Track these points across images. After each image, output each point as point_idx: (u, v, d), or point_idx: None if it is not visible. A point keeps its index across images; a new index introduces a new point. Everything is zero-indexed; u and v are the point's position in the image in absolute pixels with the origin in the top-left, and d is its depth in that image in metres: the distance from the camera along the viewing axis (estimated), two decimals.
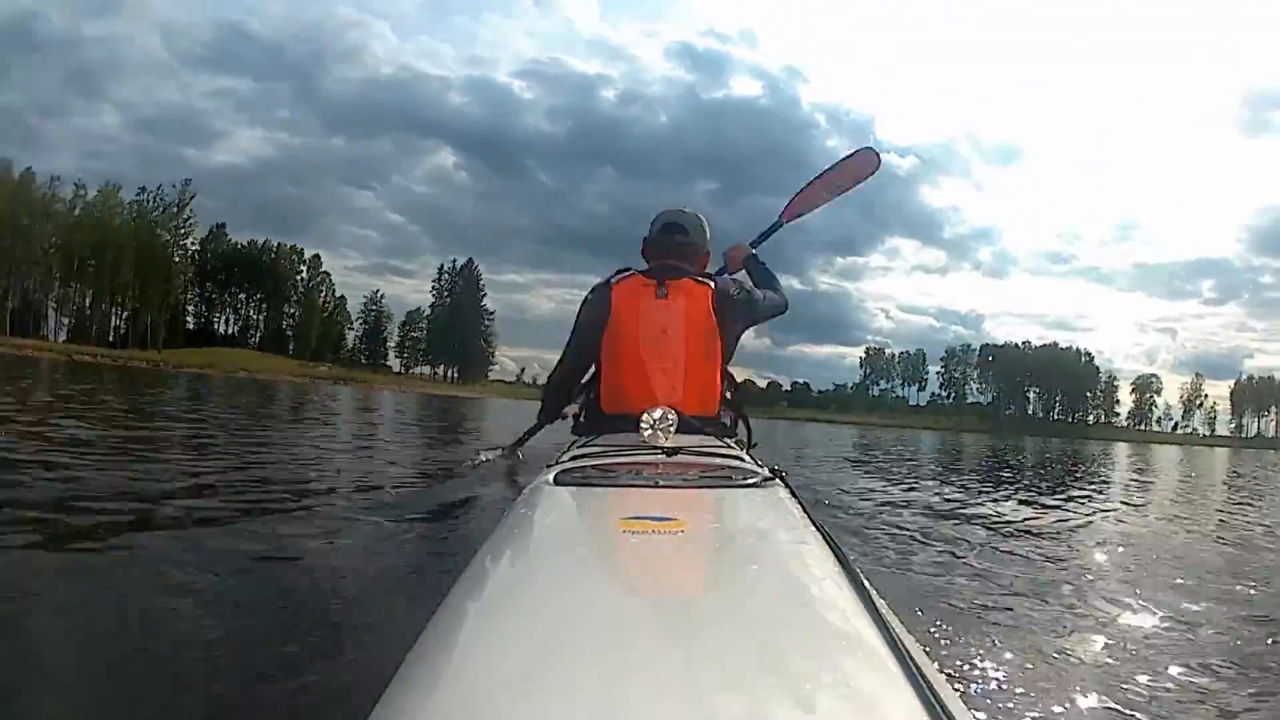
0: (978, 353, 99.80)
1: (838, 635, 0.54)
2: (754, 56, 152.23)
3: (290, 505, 2.61)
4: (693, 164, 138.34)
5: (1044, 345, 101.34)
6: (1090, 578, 2.42)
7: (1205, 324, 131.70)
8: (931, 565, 2.35)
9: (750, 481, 1.10)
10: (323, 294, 77.21)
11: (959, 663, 1.41)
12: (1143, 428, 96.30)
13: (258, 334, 73.44)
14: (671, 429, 1.32)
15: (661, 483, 1.07)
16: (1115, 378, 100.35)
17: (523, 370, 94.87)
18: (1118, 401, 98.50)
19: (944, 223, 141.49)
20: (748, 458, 1.40)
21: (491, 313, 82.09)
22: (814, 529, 0.83)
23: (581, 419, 1.82)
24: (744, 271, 2.10)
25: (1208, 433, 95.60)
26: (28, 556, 1.68)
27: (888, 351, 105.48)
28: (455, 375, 79.25)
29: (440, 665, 0.49)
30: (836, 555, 0.71)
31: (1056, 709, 1.27)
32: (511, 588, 0.66)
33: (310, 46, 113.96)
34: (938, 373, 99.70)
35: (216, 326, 72.67)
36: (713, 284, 1.73)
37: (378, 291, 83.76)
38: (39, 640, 1.34)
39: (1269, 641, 1.71)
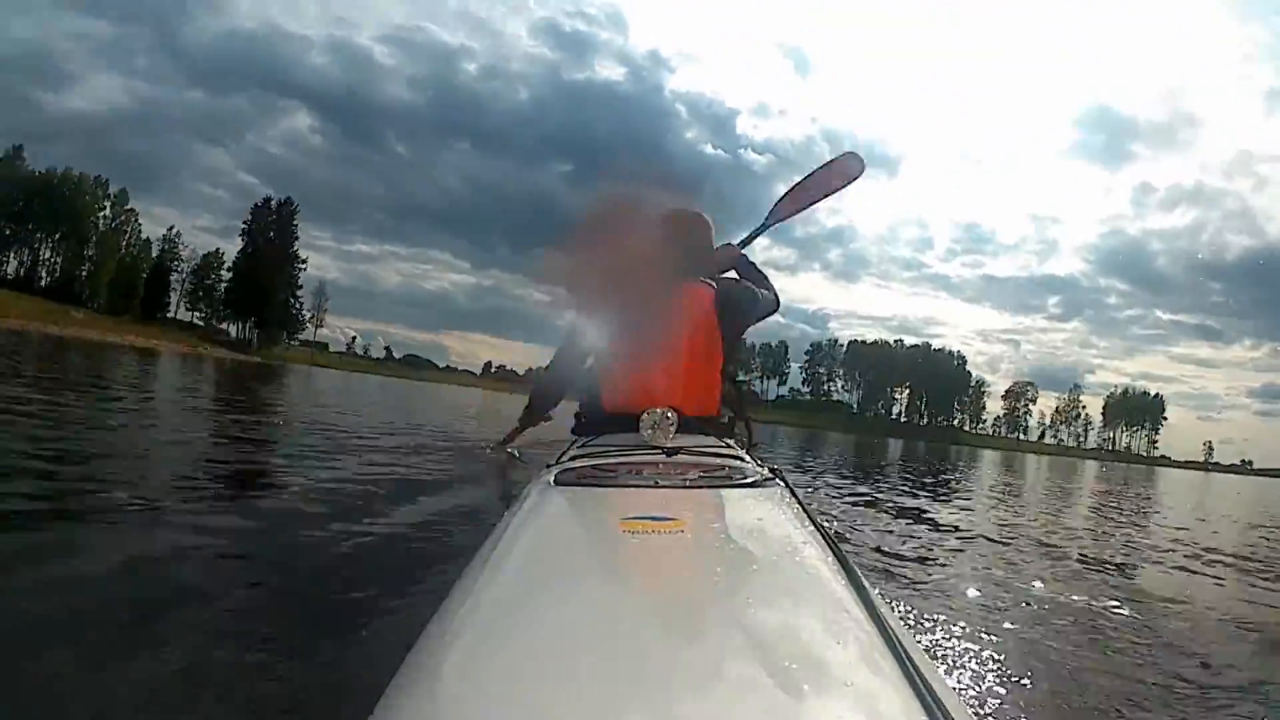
0: (845, 348, 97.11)
1: (837, 635, 0.54)
2: (620, 41, 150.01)
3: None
4: (550, 144, 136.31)
5: (915, 345, 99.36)
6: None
7: (1049, 338, 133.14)
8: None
9: (750, 481, 1.10)
10: (127, 235, 64.26)
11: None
12: (1016, 436, 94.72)
13: (49, 278, 60.61)
14: (672, 429, 1.36)
15: (661, 483, 1.07)
16: (985, 383, 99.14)
17: (354, 340, 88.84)
18: (984, 408, 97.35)
19: (796, 222, 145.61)
20: (747, 458, 1.40)
21: (303, 261, 69.14)
22: (814, 529, 0.84)
23: (582, 419, 1.77)
24: (734, 271, 2.07)
25: (1075, 444, 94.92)
26: None
27: (749, 342, 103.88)
28: (253, 336, 66.15)
29: (441, 665, 0.49)
30: (836, 555, 0.72)
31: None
32: (512, 588, 0.66)
33: None
34: (801, 367, 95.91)
35: (6, 267, 59.70)
36: (714, 285, 1.72)
37: (172, 228, 69.14)
38: None
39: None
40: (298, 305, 70.34)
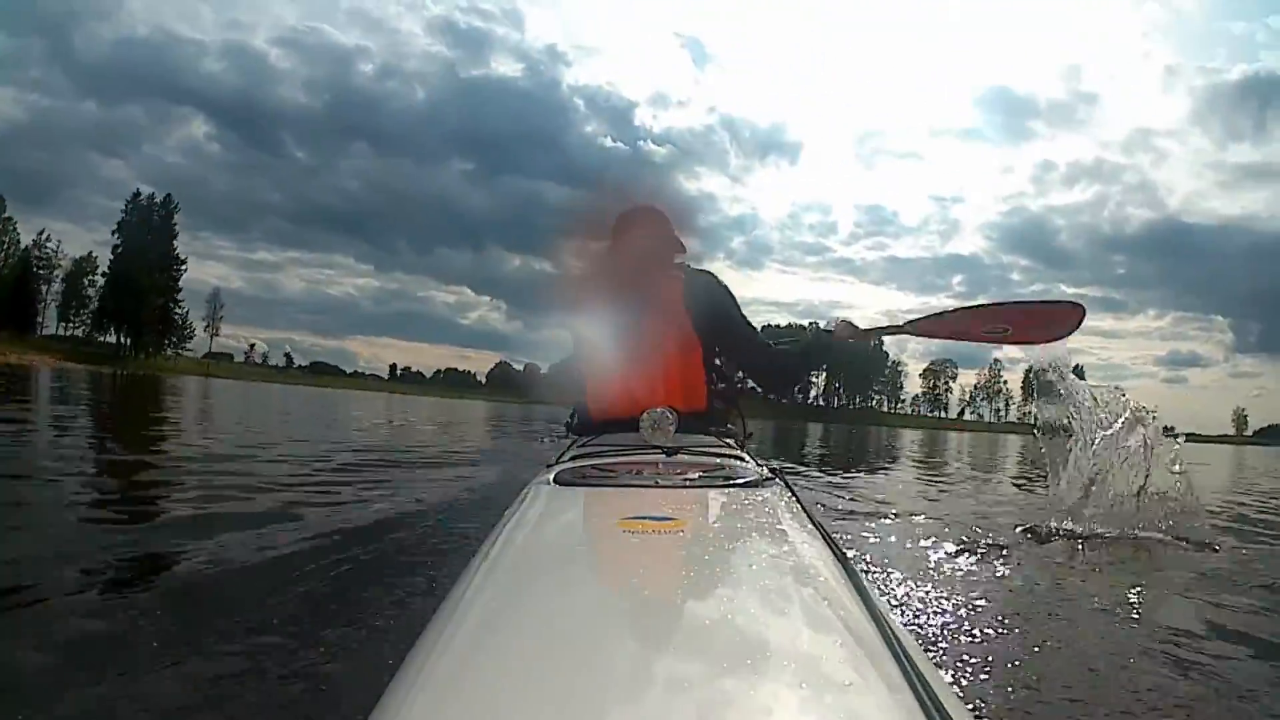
0: (758, 333, 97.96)
1: (837, 635, 0.54)
2: (517, 36, 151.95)
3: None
4: (449, 143, 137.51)
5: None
6: None
7: None
8: None
9: (750, 481, 1.10)
10: (5, 245, 59.36)
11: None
12: (937, 414, 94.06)
13: None
14: (671, 428, 1.35)
15: (661, 482, 1.07)
16: (902, 363, 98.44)
17: (252, 347, 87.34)
18: (901, 387, 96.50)
19: (698, 210, 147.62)
20: (747, 457, 1.41)
21: (182, 262, 63.52)
22: (813, 528, 0.84)
23: (581, 419, 1.77)
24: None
25: (997, 419, 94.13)
26: None
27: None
28: (128, 345, 60.58)
29: (441, 665, 0.49)
30: (836, 555, 0.71)
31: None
32: (512, 588, 0.66)
33: (64, 1, 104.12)
34: None
35: None
36: (680, 275, 1.68)
37: (43, 233, 63.79)
38: None
39: None
40: (180, 312, 65.26)
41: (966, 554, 2.84)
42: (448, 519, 2.80)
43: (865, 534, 3.31)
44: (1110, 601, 2.26)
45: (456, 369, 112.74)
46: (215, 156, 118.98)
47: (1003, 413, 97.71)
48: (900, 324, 1.97)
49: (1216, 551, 3.19)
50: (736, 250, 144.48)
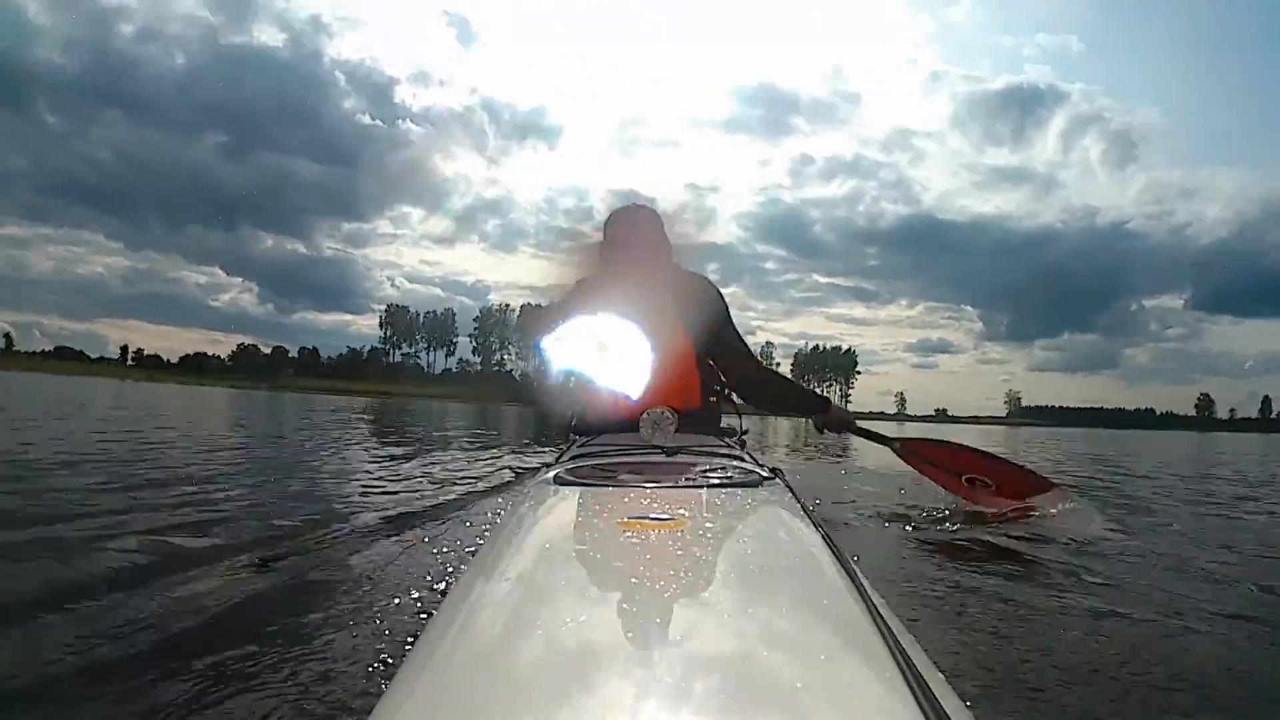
0: (517, 314, 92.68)
1: (837, 635, 0.54)
2: (281, 3, 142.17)
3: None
4: (205, 113, 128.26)
5: None
6: None
7: None
8: None
9: (750, 481, 1.09)
10: None
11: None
12: None
13: None
14: (671, 428, 1.34)
15: (661, 483, 1.07)
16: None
17: (6, 336, 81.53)
18: None
19: (453, 192, 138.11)
20: (747, 457, 1.39)
21: None
22: (814, 529, 0.83)
23: (581, 419, 1.77)
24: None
25: None
26: None
27: (413, 310, 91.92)
28: None
29: (442, 665, 0.49)
30: (836, 555, 0.71)
31: None
32: (512, 588, 0.65)
33: None
34: (470, 336, 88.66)
35: None
36: (671, 276, 1.69)
37: None
38: None
39: None
40: None
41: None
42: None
43: None
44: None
45: (206, 353, 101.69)
46: None
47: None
48: (891, 439, 2.06)
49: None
50: (491, 233, 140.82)
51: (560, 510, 0.98)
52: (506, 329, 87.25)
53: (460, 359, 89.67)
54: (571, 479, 1.08)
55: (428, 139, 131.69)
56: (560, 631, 0.52)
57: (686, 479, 1.11)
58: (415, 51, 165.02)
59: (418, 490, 3.73)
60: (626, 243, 1.76)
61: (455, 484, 4.03)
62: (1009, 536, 2.34)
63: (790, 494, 1.03)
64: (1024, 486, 2.15)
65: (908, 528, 2.63)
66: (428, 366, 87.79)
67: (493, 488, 3.91)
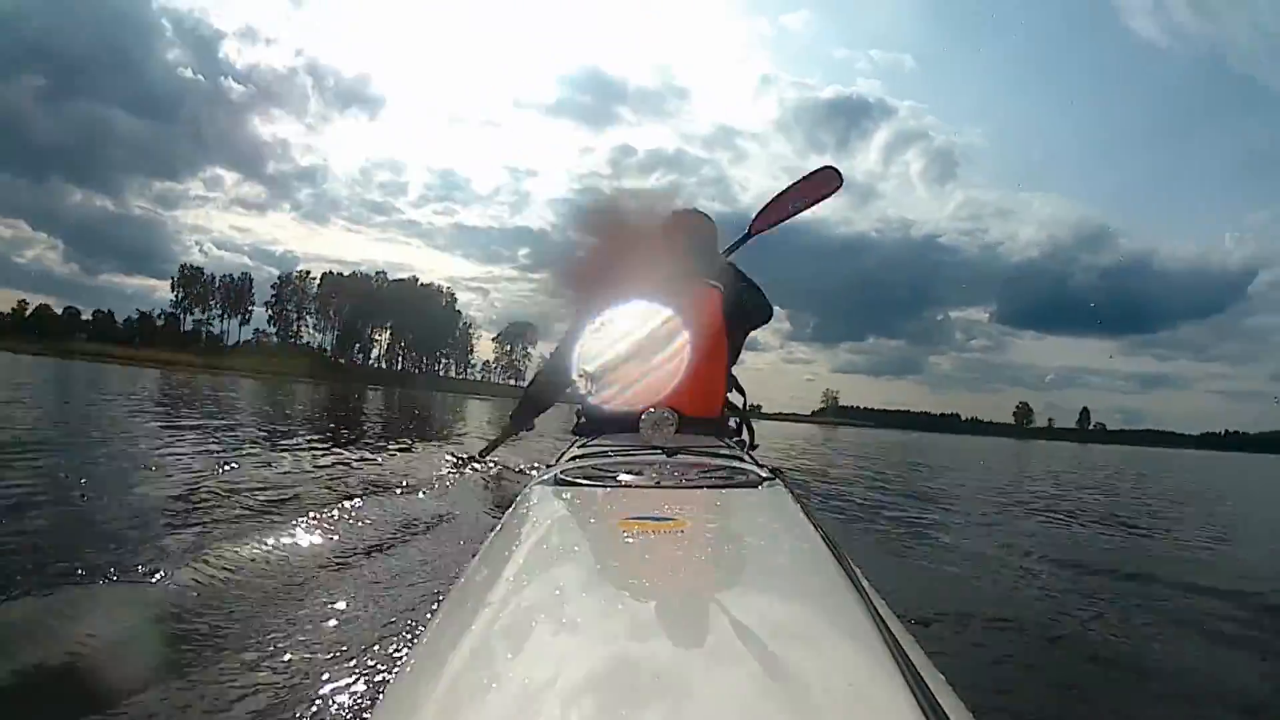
0: (318, 282, 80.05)
1: (836, 635, 0.55)
2: None
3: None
4: (21, 51, 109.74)
5: (401, 279, 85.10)
6: None
7: (517, 287, 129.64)
8: None
9: (750, 482, 1.10)
10: None
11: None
12: (511, 380, 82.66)
13: None
14: (671, 429, 1.36)
15: (662, 483, 1.07)
16: (473, 325, 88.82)
17: None
18: (472, 350, 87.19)
19: (269, 157, 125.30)
20: (748, 458, 1.40)
21: None
22: (813, 529, 0.83)
23: (582, 419, 1.77)
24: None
25: None
26: None
27: (208, 272, 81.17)
28: None
29: (442, 665, 0.49)
30: (835, 556, 0.71)
31: None
32: (512, 589, 0.66)
33: None
34: (266, 304, 79.72)
35: None
36: (722, 287, 1.71)
37: None
38: None
39: None
40: None
41: None
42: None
43: None
44: None
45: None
46: None
47: None
48: (741, 236, 2.16)
49: None
50: (303, 203, 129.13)
51: (559, 510, 0.98)
52: (306, 298, 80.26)
53: (256, 329, 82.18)
54: (572, 479, 1.08)
55: (248, 99, 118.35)
56: (559, 632, 0.53)
57: (686, 479, 1.10)
58: (246, 4, 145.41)
59: None
60: (688, 248, 1.78)
61: None
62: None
63: (790, 494, 1.04)
64: (816, 184, 2.32)
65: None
66: (223, 335, 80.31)
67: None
